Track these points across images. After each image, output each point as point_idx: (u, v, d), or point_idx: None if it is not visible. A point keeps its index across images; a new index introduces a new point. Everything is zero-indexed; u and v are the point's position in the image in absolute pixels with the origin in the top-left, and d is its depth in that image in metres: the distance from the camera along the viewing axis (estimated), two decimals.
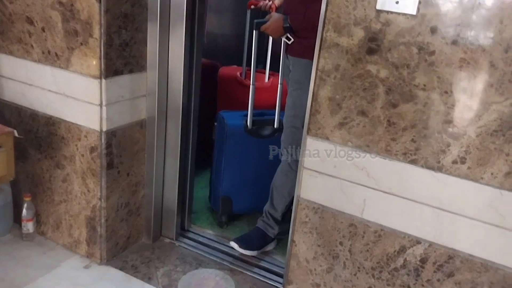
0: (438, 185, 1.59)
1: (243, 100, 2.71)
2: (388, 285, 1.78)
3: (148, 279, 2.26)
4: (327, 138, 1.74)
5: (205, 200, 2.95)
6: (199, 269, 2.36)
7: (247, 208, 2.79)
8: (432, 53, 1.50)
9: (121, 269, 2.31)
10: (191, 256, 2.46)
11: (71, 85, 2.11)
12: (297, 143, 2.21)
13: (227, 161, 2.66)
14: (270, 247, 2.53)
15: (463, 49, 1.46)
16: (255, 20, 2.34)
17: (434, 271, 1.68)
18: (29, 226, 2.39)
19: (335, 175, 1.76)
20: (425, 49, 1.50)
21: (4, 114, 2.37)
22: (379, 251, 1.76)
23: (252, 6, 2.54)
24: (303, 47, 2.14)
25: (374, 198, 1.72)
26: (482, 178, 1.53)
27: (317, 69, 1.70)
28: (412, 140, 1.60)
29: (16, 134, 2.19)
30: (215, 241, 2.59)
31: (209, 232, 2.68)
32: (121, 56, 2.09)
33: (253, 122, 2.62)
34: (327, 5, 1.62)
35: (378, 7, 1.53)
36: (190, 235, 2.63)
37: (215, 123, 2.74)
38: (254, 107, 2.62)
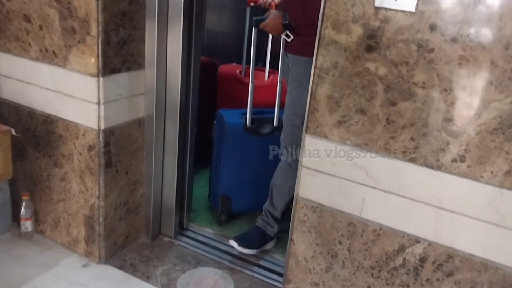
0: (438, 183, 1.58)
1: (242, 98, 2.70)
2: (387, 284, 1.77)
3: (147, 278, 2.25)
4: (326, 137, 1.73)
5: (205, 198, 2.94)
6: (198, 268, 2.35)
7: (246, 207, 2.78)
8: (431, 50, 1.48)
9: (119, 268, 2.31)
10: (190, 255, 2.45)
11: (69, 83, 2.10)
12: (297, 142, 2.20)
13: (226, 159, 2.65)
14: (269, 245, 2.52)
15: (462, 47, 1.44)
16: (254, 18, 2.33)
17: (434, 271, 1.67)
18: (27, 225, 2.39)
19: (334, 174, 1.75)
20: (424, 47, 1.49)
21: (2, 113, 2.36)
22: (378, 250, 1.75)
23: (252, 4, 2.53)
24: (303, 45, 2.13)
25: (373, 197, 1.70)
26: (481, 176, 1.51)
27: (315, 67, 1.68)
28: (411, 139, 1.59)
29: (13, 132, 2.18)
30: (214, 240, 2.58)
31: (209, 231, 2.67)
32: (119, 54, 2.07)
33: (252, 120, 2.61)
34: (325, 2, 1.60)
35: (377, 4, 1.51)
36: (189, 233, 2.62)
37: (214, 122, 2.73)
38: (254, 105, 2.61)
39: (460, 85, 1.47)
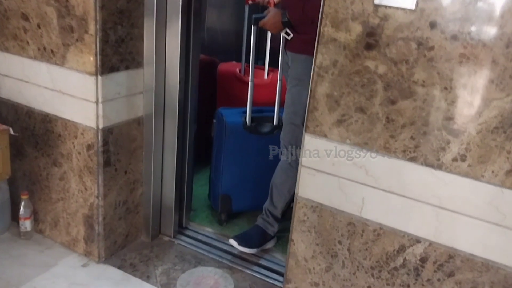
0: (438, 183, 1.56)
1: (242, 96, 2.69)
2: (387, 284, 1.75)
3: (146, 277, 2.24)
4: (325, 136, 1.71)
5: (205, 198, 2.93)
6: (198, 267, 2.34)
7: (246, 206, 2.77)
8: (431, 48, 1.46)
9: (119, 267, 2.30)
10: (190, 254, 2.44)
11: (67, 82, 2.09)
12: (297, 141, 2.18)
13: (226, 158, 2.64)
14: (269, 245, 2.50)
15: (463, 44, 1.42)
16: (254, 15, 2.32)
17: (434, 271, 1.65)
18: (26, 225, 2.38)
19: (334, 173, 1.73)
20: (424, 44, 1.47)
21: (0, 112, 2.35)
22: (379, 250, 1.73)
23: (250, 1, 2.51)
24: (302, 43, 2.11)
25: (373, 196, 1.69)
26: (482, 176, 1.50)
27: (314, 65, 1.67)
28: (411, 137, 1.57)
29: (11, 131, 2.17)
30: (215, 239, 2.57)
31: (209, 230, 2.66)
32: (117, 53, 2.06)
33: (252, 119, 2.60)
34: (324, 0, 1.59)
35: (376, 1, 1.49)
36: (189, 233, 2.61)
37: (214, 120, 2.72)
38: (253, 104, 2.60)
39: (461, 83, 1.46)
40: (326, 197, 1.78)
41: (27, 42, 2.14)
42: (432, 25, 1.45)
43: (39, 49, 2.12)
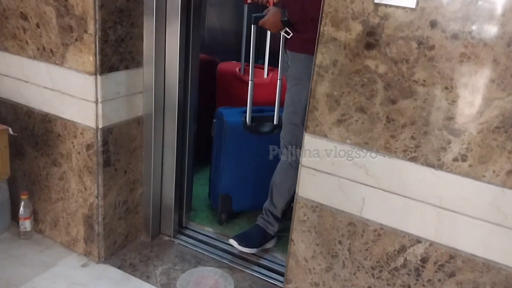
0: (439, 183, 1.55)
1: (242, 96, 2.68)
2: (388, 285, 1.75)
3: (146, 277, 2.24)
4: (325, 136, 1.71)
5: (205, 197, 2.93)
6: (198, 267, 2.34)
7: (247, 206, 2.76)
8: (432, 47, 1.45)
9: (119, 267, 2.29)
10: (190, 254, 2.43)
11: (67, 82, 2.08)
12: (297, 140, 2.18)
13: (226, 158, 2.63)
14: (270, 244, 2.50)
15: (463, 44, 1.41)
16: (253, 15, 2.31)
17: (435, 271, 1.64)
18: (26, 224, 2.38)
19: (334, 173, 1.72)
20: (424, 44, 1.46)
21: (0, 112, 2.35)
22: (379, 250, 1.73)
23: (249, 0, 2.50)
24: (301, 42, 2.10)
25: (373, 196, 1.68)
26: (483, 176, 1.49)
27: (314, 64, 1.66)
28: (412, 137, 1.56)
29: (10, 131, 2.17)
30: (215, 239, 2.56)
31: (209, 230, 2.66)
32: (117, 52, 2.06)
33: (252, 118, 2.59)
34: None
35: (376, 0, 1.48)
36: (189, 232, 2.61)
37: (214, 120, 2.71)
38: (253, 104, 2.59)
39: (462, 83, 1.45)
40: (326, 197, 1.77)
41: (26, 42, 2.13)
42: (433, 24, 1.44)
43: (38, 49, 2.11)
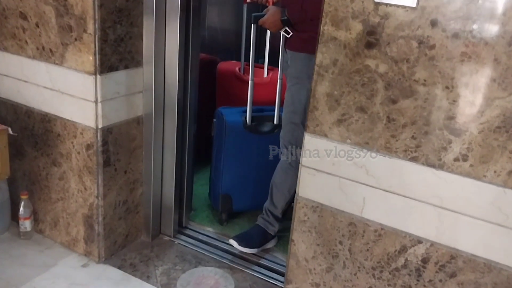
0: (440, 183, 1.55)
1: (242, 96, 2.67)
2: (389, 285, 1.74)
3: (146, 277, 2.23)
4: (326, 135, 1.70)
5: (205, 197, 2.92)
6: (198, 267, 2.33)
7: (247, 206, 2.76)
8: (433, 47, 1.45)
9: (119, 267, 2.29)
10: (191, 254, 2.43)
11: (66, 82, 2.08)
12: (297, 140, 2.17)
13: (226, 158, 2.62)
14: (270, 244, 2.49)
15: (464, 43, 1.41)
16: (253, 14, 2.30)
17: (436, 271, 1.64)
18: (26, 224, 2.37)
19: (334, 173, 1.72)
20: (425, 43, 1.45)
21: None
22: (380, 250, 1.72)
23: (249, 0, 2.49)
24: (301, 41, 2.10)
25: (374, 196, 1.67)
26: (484, 176, 1.48)
27: (315, 64, 1.65)
28: (413, 137, 1.55)
29: (10, 131, 2.16)
30: (215, 239, 2.56)
31: (209, 230, 2.65)
32: (116, 52, 2.05)
33: (252, 118, 2.59)
34: None
35: None
36: (190, 232, 2.60)
37: (214, 120, 2.70)
38: (254, 103, 2.58)
39: (462, 82, 1.44)
40: (326, 197, 1.76)
41: (26, 42, 2.13)
42: (433, 24, 1.43)
43: (37, 49, 2.11)
